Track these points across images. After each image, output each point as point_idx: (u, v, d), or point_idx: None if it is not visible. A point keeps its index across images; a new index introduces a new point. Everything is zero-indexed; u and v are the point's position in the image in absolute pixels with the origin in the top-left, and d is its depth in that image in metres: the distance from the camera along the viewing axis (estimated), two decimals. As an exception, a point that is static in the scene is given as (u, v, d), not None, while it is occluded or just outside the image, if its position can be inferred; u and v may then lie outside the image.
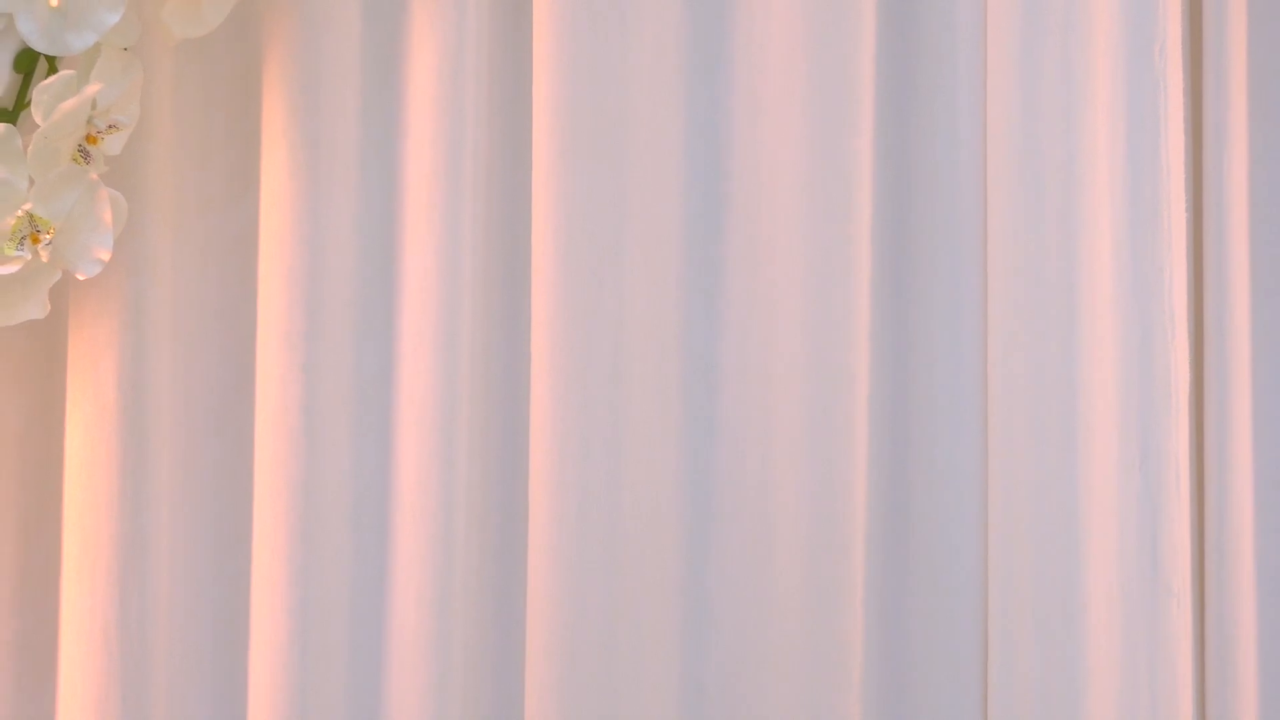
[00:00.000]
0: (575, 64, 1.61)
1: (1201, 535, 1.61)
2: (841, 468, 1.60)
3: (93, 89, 1.42)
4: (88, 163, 1.44)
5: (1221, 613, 1.59)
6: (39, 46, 1.42)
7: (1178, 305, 1.58)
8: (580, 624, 1.58)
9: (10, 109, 1.44)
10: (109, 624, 1.56)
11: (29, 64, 1.45)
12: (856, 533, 1.60)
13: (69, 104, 1.41)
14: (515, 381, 1.65)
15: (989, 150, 1.59)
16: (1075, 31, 1.60)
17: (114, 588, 1.56)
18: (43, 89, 1.41)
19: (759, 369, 1.63)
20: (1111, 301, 1.58)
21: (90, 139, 1.45)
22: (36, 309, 1.45)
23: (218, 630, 1.60)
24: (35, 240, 1.42)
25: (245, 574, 1.59)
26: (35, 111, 1.41)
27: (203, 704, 1.61)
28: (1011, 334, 1.58)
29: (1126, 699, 1.56)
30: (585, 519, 1.59)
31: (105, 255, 1.45)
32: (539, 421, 1.59)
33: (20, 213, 1.41)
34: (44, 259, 1.42)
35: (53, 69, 1.44)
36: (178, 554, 1.60)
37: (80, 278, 1.45)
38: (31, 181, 1.41)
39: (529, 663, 1.59)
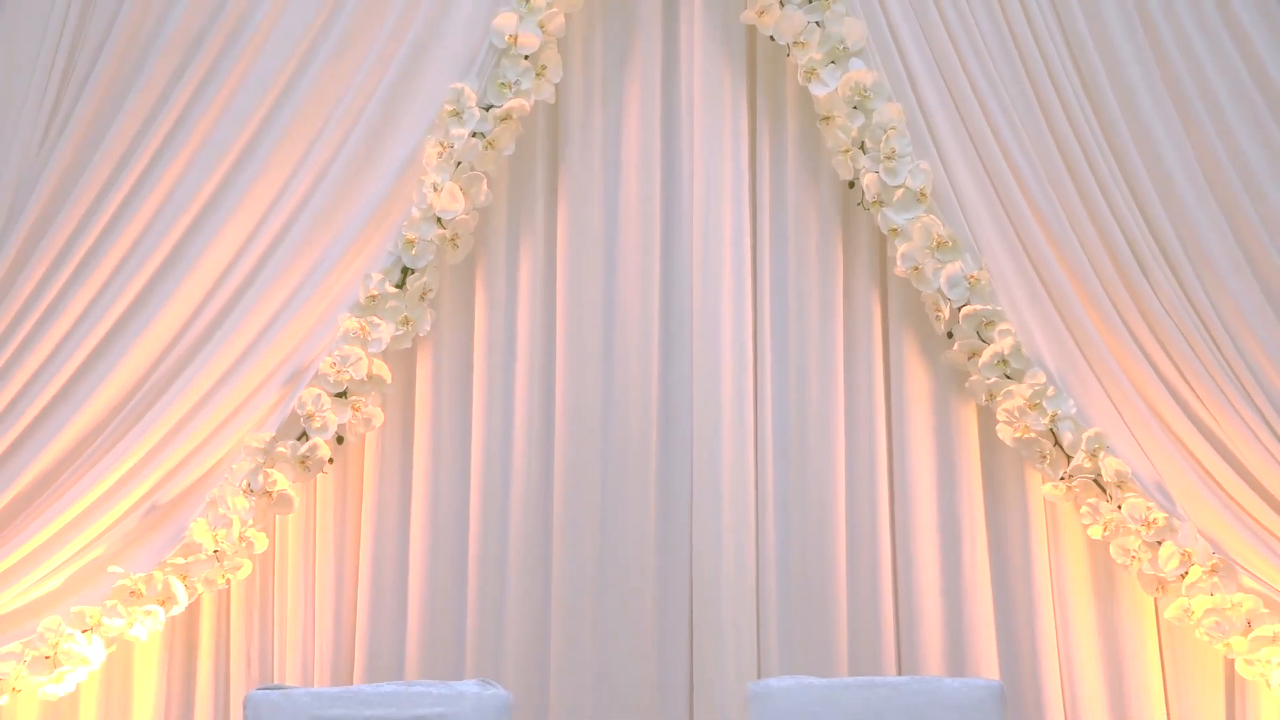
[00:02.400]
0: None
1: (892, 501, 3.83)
2: (749, 464, 4.11)
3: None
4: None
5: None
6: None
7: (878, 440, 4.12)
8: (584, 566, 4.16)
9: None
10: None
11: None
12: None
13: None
14: (547, 415, 4.19)
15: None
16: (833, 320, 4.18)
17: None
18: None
19: (700, 408, 4.15)
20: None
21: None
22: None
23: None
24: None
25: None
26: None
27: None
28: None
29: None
30: (587, 489, 4.18)
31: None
32: (559, 439, 4.08)
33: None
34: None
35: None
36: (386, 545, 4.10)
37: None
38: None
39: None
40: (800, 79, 4.33)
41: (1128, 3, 4.36)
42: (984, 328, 4.27)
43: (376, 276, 4.23)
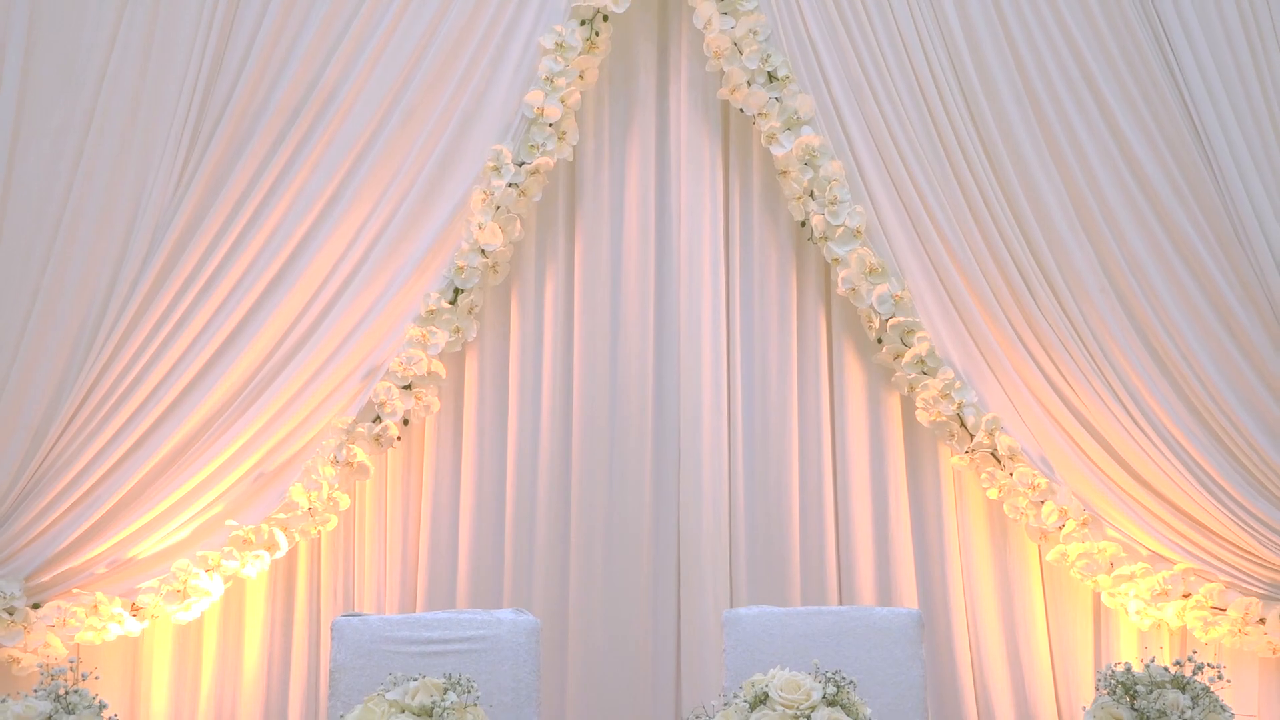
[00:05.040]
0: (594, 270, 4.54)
1: (835, 469, 4.64)
2: (724, 440, 4.48)
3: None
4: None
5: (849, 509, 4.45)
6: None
7: (824, 421, 4.73)
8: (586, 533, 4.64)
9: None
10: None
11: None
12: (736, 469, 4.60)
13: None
14: (566, 403, 4.61)
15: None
16: (789, 329, 4.62)
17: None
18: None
19: (686, 397, 4.53)
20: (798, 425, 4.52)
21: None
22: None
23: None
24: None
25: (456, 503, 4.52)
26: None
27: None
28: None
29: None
30: (598, 461, 4.62)
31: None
32: (576, 422, 4.48)
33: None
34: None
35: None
36: (442, 503, 4.58)
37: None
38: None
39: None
40: (763, 142, 4.95)
41: (1017, 82, 4.87)
42: (906, 335, 4.86)
43: (434, 295, 4.90)
